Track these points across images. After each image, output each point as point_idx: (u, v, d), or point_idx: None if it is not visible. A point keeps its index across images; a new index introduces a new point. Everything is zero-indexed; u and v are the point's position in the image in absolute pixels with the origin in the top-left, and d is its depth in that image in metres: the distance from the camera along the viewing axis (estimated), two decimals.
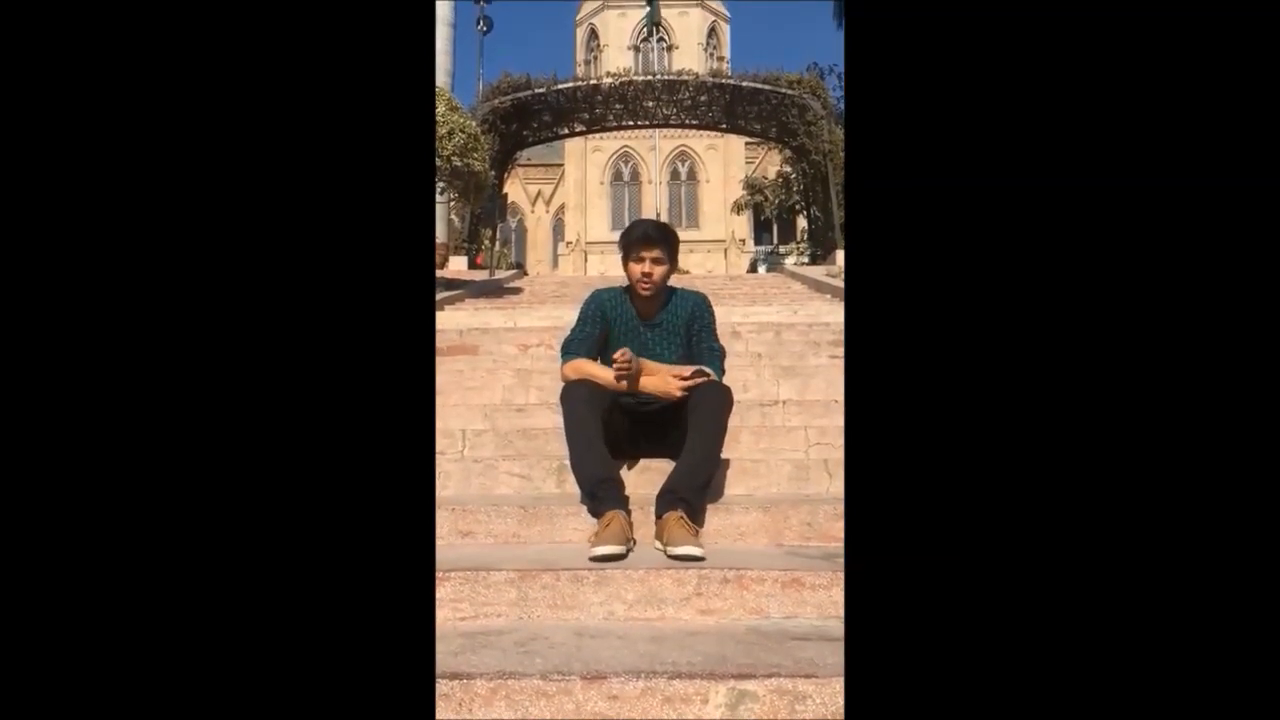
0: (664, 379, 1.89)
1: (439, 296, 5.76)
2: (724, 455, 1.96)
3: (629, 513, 1.70)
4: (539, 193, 30.40)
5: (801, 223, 16.44)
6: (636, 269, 1.97)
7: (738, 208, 22.43)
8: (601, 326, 2.03)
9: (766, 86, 11.64)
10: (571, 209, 27.43)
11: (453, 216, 12.06)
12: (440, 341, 4.08)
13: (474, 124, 6.70)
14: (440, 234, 11.60)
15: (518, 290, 7.66)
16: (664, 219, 24.66)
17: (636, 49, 25.72)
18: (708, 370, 1.91)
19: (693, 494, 1.72)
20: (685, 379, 1.87)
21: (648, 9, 15.88)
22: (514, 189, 26.13)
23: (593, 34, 26.94)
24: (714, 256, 25.58)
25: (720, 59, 25.72)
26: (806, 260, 12.94)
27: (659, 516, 1.68)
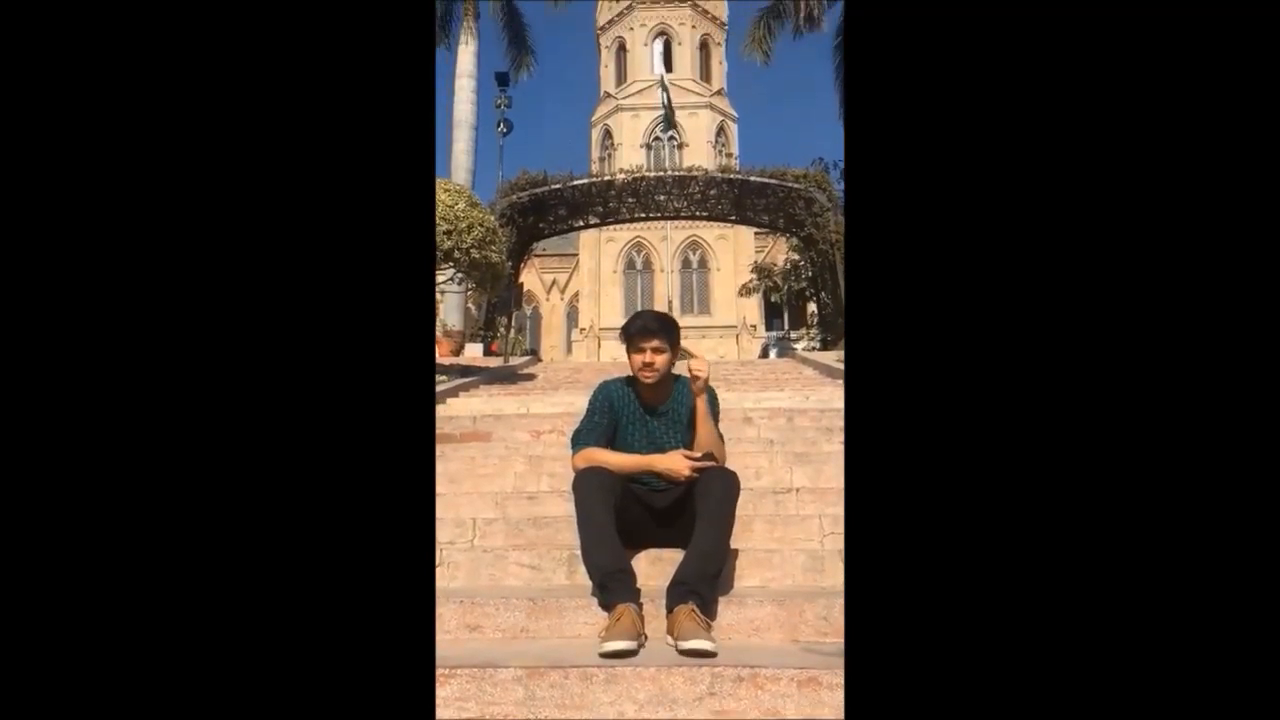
0: (673, 457, 1.91)
1: (454, 384, 5.83)
2: (737, 545, 1.93)
3: (640, 606, 1.66)
4: (554, 281, 31.22)
5: (812, 308, 16.68)
6: (638, 359, 2.03)
7: (746, 291, 22.83)
8: (610, 417, 2.06)
9: (773, 180, 12.10)
10: (585, 296, 28.06)
11: (469, 305, 12.36)
12: (453, 428, 4.10)
13: (492, 218, 6.99)
14: (456, 322, 11.86)
15: (531, 376, 7.74)
16: (675, 306, 25.09)
17: (648, 147, 27.00)
18: (715, 455, 1.92)
19: (704, 585, 1.69)
20: (695, 459, 1.88)
21: (663, 105, 16.70)
22: (530, 278, 26.87)
23: (607, 134, 28.39)
24: (726, 342, 25.83)
25: (729, 155, 26.89)
26: (817, 345, 13.04)
27: (670, 610, 1.64)
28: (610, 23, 29.03)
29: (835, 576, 2.04)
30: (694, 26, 28.36)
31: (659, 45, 27.86)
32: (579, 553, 1.89)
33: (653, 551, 2.00)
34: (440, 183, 6.58)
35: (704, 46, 28.76)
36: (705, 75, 28.62)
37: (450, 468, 3.14)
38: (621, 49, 28.77)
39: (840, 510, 2.52)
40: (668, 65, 24.82)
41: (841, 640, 1.68)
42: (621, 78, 28.59)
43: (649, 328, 2.03)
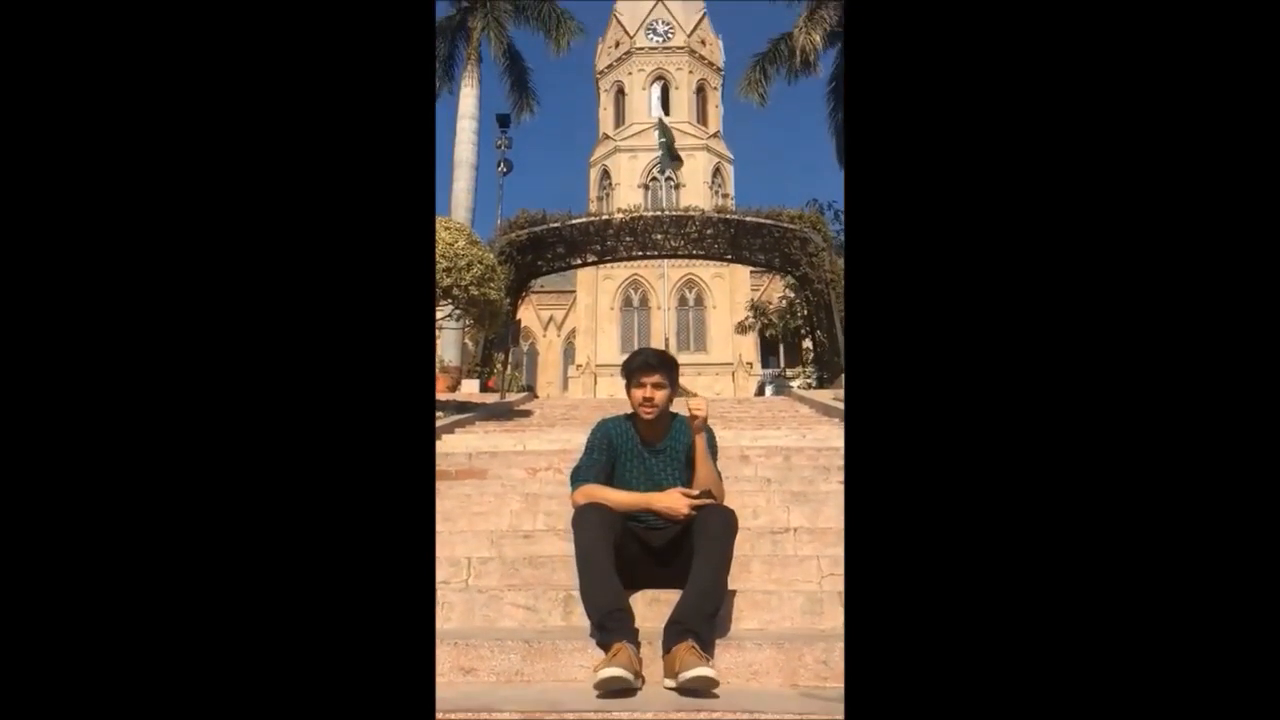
0: (671, 495, 1.91)
1: (450, 420, 5.81)
2: (734, 586, 1.91)
3: (638, 646, 1.64)
4: (551, 317, 31.35)
5: (807, 344, 16.77)
6: (638, 394, 2.04)
7: (742, 328, 22.98)
8: (609, 454, 2.06)
9: (769, 221, 12.29)
10: (582, 333, 28.15)
11: (466, 341, 12.40)
12: (449, 465, 4.08)
13: (491, 256, 7.05)
14: (453, 358, 11.87)
15: (527, 413, 7.72)
16: (672, 343, 25.17)
17: (646, 187, 27.42)
18: (714, 493, 1.92)
19: (701, 624, 1.67)
20: (693, 497, 1.88)
21: (660, 145, 16.91)
22: (527, 314, 26.99)
23: (605, 174, 28.85)
24: (722, 379, 25.86)
25: (725, 196, 27.31)
26: (813, 383, 13.07)
27: (667, 650, 1.62)
28: (609, 67, 29.74)
29: (834, 619, 2.01)
30: (691, 72, 29.07)
31: (657, 89, 28.53)
32: (576, 593, 1.87)
33: (650, 593, 1.97)
34: (440, 221, 6.66)
35: (700, 91, 29.43)
36: (702, 118, 29.23)
37: (445, 505, 3.11)
38: (620, 92, 29.42)
39: (838, 551, 2.50)
40: (665, 109, 25.35)
41: (841, 685, 1.65)
42: (620, 120, 29.18)
43: (650, 363, 2.06)
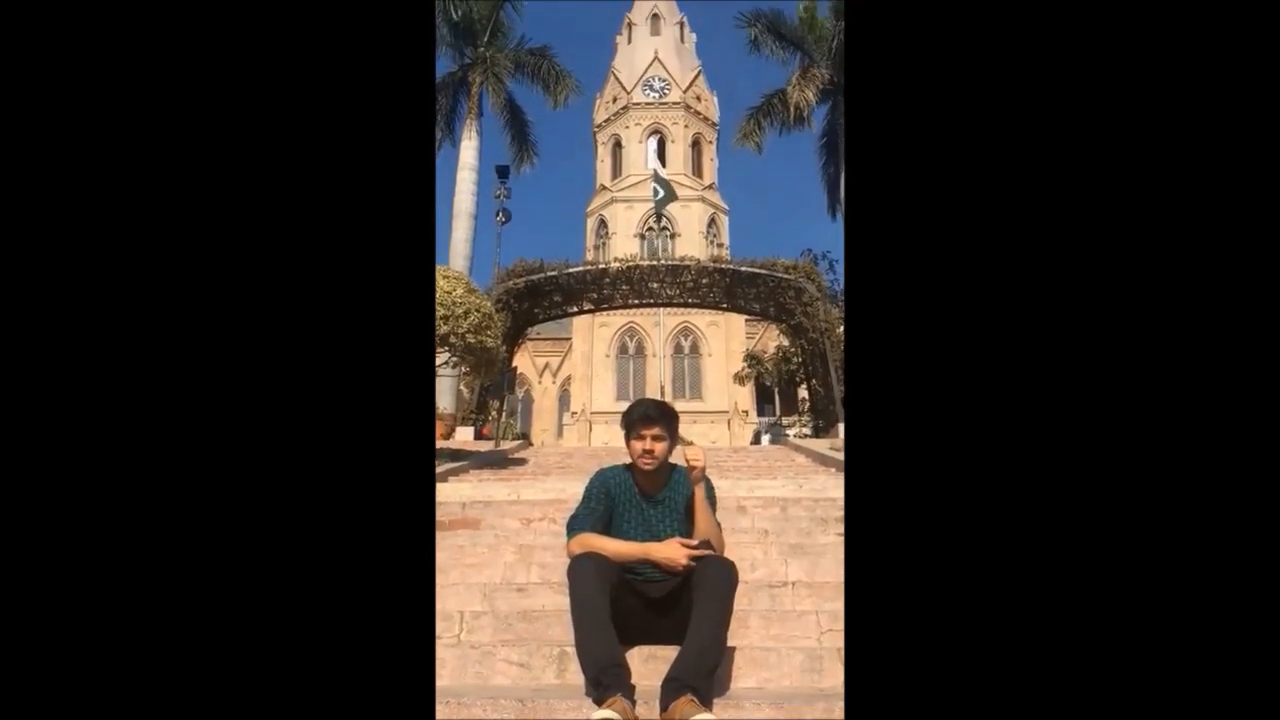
0: (670, 545, 1.89)
1: (444, 469, 5.76)
2: (733, 642, 1.88)
3: (634, 704, 1.61)
4: (546, 365, 31.38)
5: (803, 393, 16.77)
6: (638, 446, 2.04)
7: (739, 379, 23.03)
8: (606, 504, 2.05)
9: (764, 271, 12.46)
10: (578, 380, 28.14)
11: (461, 388, 12.37)
12: (442, 514, 4.02)
13: (489, 304, 7.11)
14: (448, 405, 11.83)
15: (522, 461, 7.66)
16: (667, 391, 25.16)
17: (642, 237, 27.84)
18: (713, 544, 1.90)
19: (700, 681, 1.64)
20: (692, 547, 1.86)
21: (656, 194, 17.22)
22: (522, 361, 27.01)
23: (602, 223, 29.33)
24: (717, 427, 25.76)
25: (720, 245, 27.74)
26: (809, 432, 13.04)
27: (664, 708, 1.59)
28: (607, 121, 30.55)
29: (834, 677, 1.97)
30: (686, 126, 29.87)
31: (653, 142, 29.25)
32: (571, 649, 1.84)
33: (646, 649, 1.93)
34: (439, 270, 6.74)
35: (696, 144, 30.19)
36: (698, 170, 29.91)
37: (438, 557, 3.06)
38: (617, 145, 30.15)
39: (836, 606, 2.47)
40: (662, 161, 25.95)
41: None
42: (617, 171, 29.81)
43: (650, 415, 2.06)
